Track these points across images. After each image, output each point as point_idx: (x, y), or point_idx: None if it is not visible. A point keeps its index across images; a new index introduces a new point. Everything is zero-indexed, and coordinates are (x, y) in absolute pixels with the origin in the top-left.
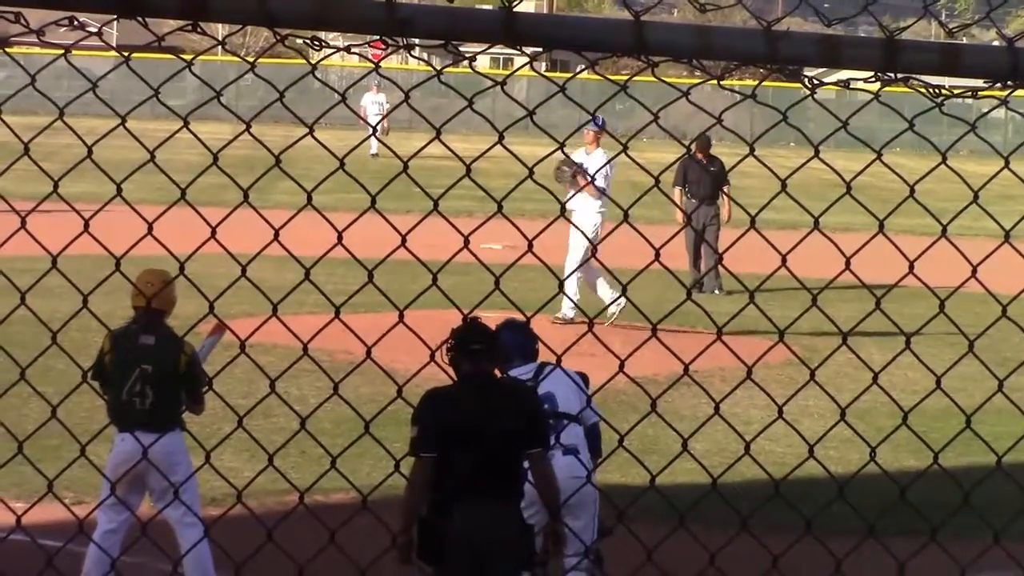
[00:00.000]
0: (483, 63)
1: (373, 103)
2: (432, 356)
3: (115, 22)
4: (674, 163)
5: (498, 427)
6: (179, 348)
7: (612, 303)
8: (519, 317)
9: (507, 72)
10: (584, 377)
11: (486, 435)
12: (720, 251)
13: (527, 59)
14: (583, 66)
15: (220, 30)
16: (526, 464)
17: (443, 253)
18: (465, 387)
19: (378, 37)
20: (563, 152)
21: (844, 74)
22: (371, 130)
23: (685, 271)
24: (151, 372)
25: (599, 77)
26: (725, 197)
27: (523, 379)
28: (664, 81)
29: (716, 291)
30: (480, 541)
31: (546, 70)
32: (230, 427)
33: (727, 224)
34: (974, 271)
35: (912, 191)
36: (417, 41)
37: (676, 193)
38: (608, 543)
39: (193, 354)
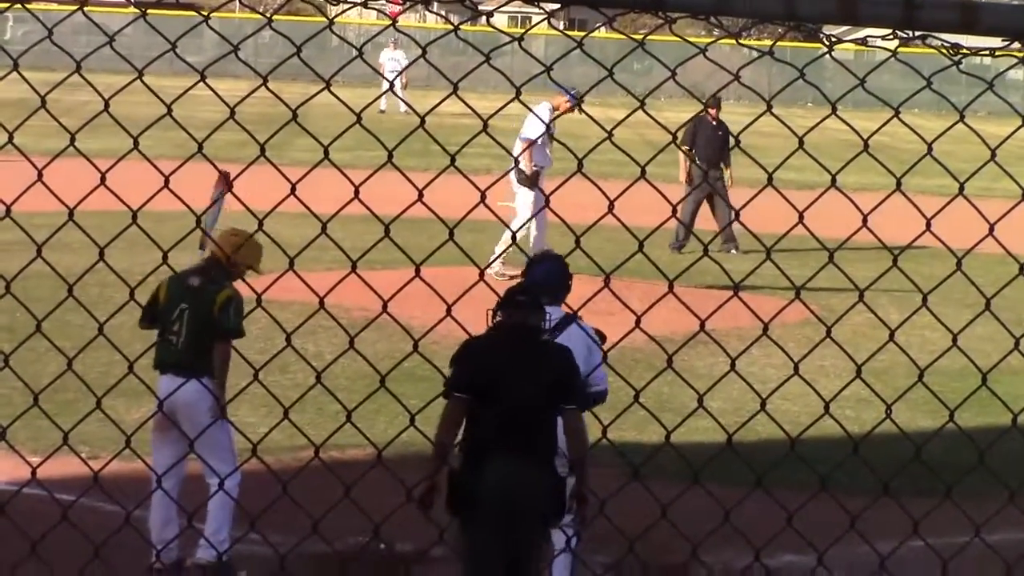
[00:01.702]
0: (500, 22)
1: (391, 60)
2: (448, 311)
3: None
4: (690, 120)
5: (532, 380)
6: (216, 292)
7: (496, 259)
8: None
9: (525, 30)
10: (601, 336)
11: (520, 387)
12: (733, 210)
13: (545, 15)
14: (601, 22)
15: None
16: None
17: (460, 211)
18: (506, 337)
19: None
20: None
21: (862, 34)
22: (387, 85)
23: (704, 231)
24: (189, 313)
25: (617, 35)
26: (727, 164)
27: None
28: (682, 38)
29: (733, 251)
30: (510, 495)
31: (564, 28)
32: (246, 382)
33: (731, 187)
34: (991, 230)
35: (930, 149)
36: None
37: (681, 155)
38: (622, 501)
39: (227, 300)
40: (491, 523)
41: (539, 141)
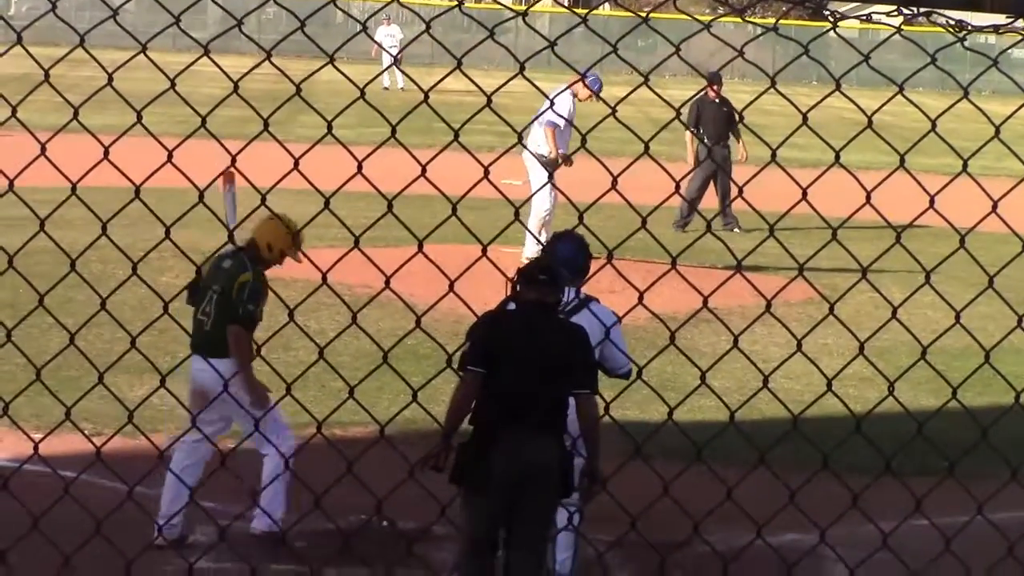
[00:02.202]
0: None
1: (387, 36)
2: (451, 288)
3: None
4: (692, 97)
5: (547, 359)
6: (238, 275)
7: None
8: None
9: (528, 6)
10: (618, 318)
11: (534, 364)
12: (736, 188)
13: None
14: None
15: None
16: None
17: (464, 188)
18: (524, 315)
19: None
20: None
21: (867, 11)
22: (392, 60)
23: (708, 209)
24: (218, 294)
25: (622, 13)
26: (738, 138)
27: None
28: (687, 14)
29: (735, 229)
30: (518, 471)
31: (569, 5)
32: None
33: (743, 163)
34: (994, 207)
35: (934, 126)
36: None
37: (688, 135)
38: (625, 480)
39: (245, 283)
40: (496, 497)
41: (561, 126)
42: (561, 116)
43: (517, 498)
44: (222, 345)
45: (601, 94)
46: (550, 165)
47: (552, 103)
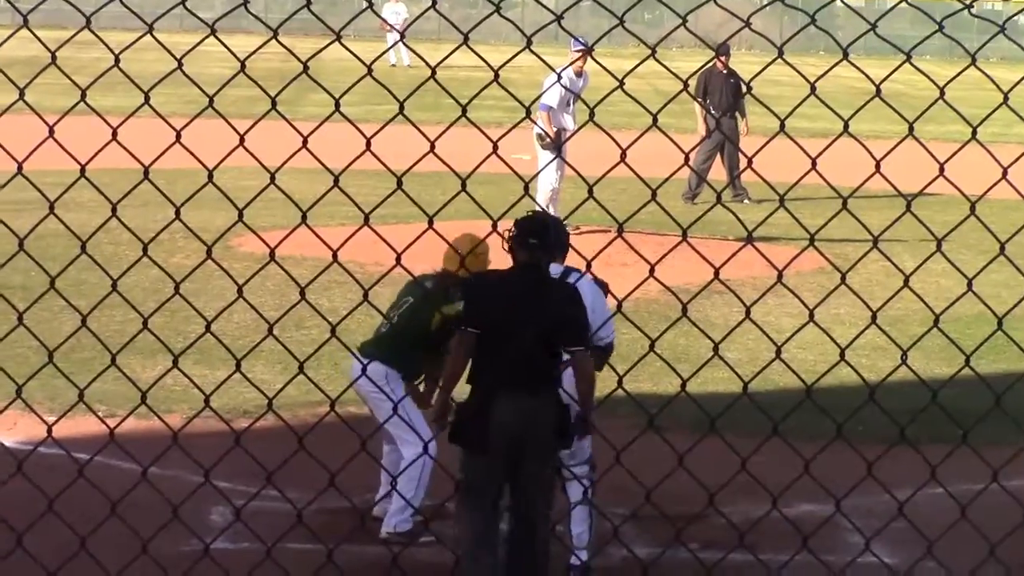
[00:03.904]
0: None
1: (393, 13)
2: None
3: None
4: (700, 69)
5: (541, 318)
6: (443, 300)
7: None
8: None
9: None
10: (604, 286)
11: (528, 324)
12: (746, 158)
13: None
14: None
15: None
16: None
17: (472, 163)
18: (516, 275)
19: None
20: (555, 72)
21: None
22: (398, 37)
23: (718, 180)
24: (409, 307)
25: None
26: (743, 113)
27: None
28: None
29: (745, 200)
30: (516, 430)
31: None
32: (261, 338)
33: (746, 136)
34: (1004, 173)
35: (942, 94)
36: None
37: (697, 107)
38: (639, 452)
39: (448, 317)
40: (494, 455)
41: (555, 106)
42: (556, 95)
43: (517, 457)
44: (381, 350)
45: (594, 54)
46: (549, 147)
47: (551, 82)
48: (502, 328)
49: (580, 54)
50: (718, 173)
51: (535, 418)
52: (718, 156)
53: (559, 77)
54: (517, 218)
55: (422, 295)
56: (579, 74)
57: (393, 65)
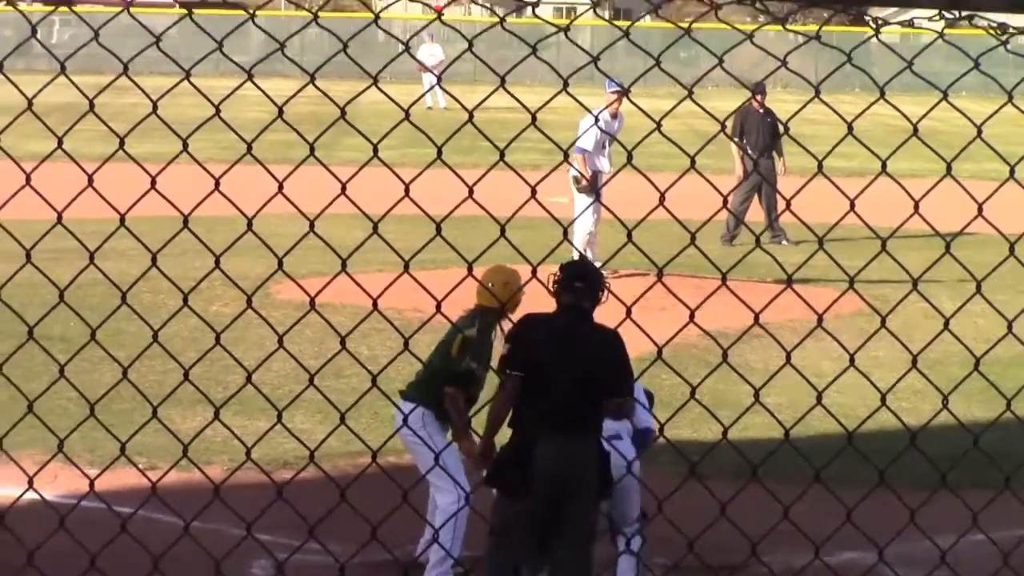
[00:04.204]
0: (545, 13)
1: (429, 56)
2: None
3: None
4: (737, 109)
5: (584, 364)
6: (463, 326)
7: None
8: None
9: (571, 20)
10: (650, 397)
11: (571, 368)
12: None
13: (590, 5)
14: (646, 10)
15: None
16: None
17: (509, 207)
18: (561, 318)
19: None
20: (589, 112)
21: (909, 15)
22: (435, 80)
23: (755, 222)
24: (437, 345)
25: (662, 24)
26: (780, 153)
27: None
28: (730, 25)
29: (783, 242)
30: (557, 475)
31: (609, 18)
32: (300, 388)
33: (783, 176)
34: None
35: (979, 132)
36: None
37: (734, 147)
38: (680, 501)
39: (463, 340)
40: (540, 502)
41: (590, 149)
42: (592, 138)
43: (556, 503)
44: (417, 390)
45: (631, 97)
46: (585, 190)
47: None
48: (545, 371)
49: (616, 96)
50: (755, 214)
51: (577, 463)
52: (755, 197)
53: (596, 119)
54: (562, 263)
55: (450, 328)
56: (614, 116)
57: (429, 108)
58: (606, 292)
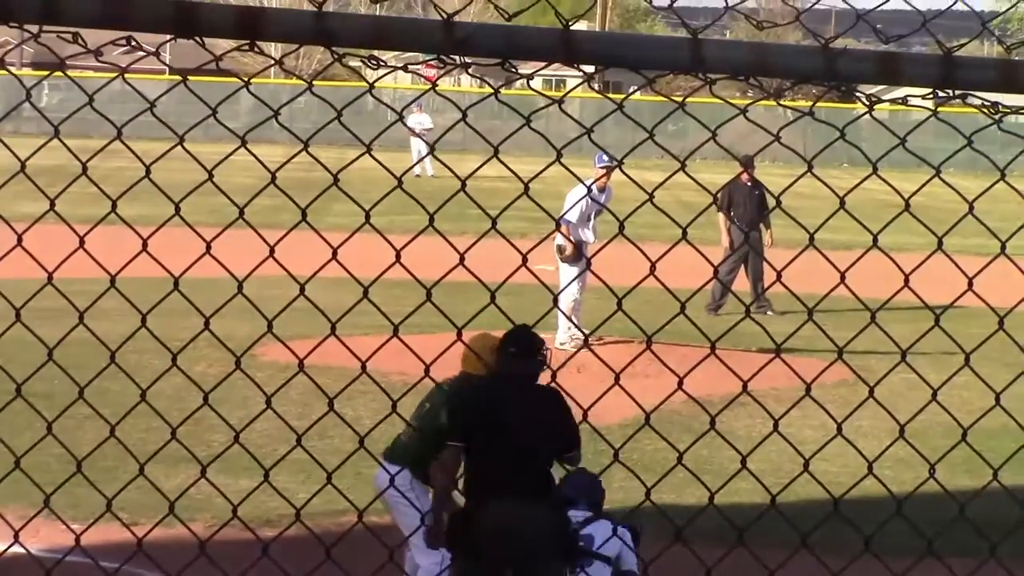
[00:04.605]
0: (535, 84)
1: (416, 124)
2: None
3: (167, 45)
4: (728, 183)
5: (528, 426)
6: (431, 395)
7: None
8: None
9: (559, 93)
10: (636, 534)
11: (516, 433)
12: (773, 271)
13: (580, 80)
14: (640, 84)
15: (274, 50)
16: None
17: (496, 274)
18: (500, 384)
19: (435, 57)
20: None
21: (901, 93)
22: (418, 150)
23: (743, 291)
24: (424, 411)
25: (652, 97)
26: (767, 225)
27: (574, 521)
28: (724, 99)
29: (768, 312)
30: (505, 540)
31: (597, 92)
32: (285, 448)
33: (770, 248)
34: None
35: (971, 208)
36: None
37: (721, 218)
38: (668, 562)
39: (427, 408)
40: (493, 563)
41: (575, 220)
42: (578, 210)
43: (508, 562)
44: (402, 454)
45: (623, 168)
46: (568, 259)
47: (573, 198)
48: (487, 438)
49: (605, 171)
50: (740, 284)
51: (525, 527)
52: (742, 268)
53: (589, 190)
54: (506, 332)
55: (435, 399)
56: (602, 189)
57: (418, 176)
58: (548, 356)
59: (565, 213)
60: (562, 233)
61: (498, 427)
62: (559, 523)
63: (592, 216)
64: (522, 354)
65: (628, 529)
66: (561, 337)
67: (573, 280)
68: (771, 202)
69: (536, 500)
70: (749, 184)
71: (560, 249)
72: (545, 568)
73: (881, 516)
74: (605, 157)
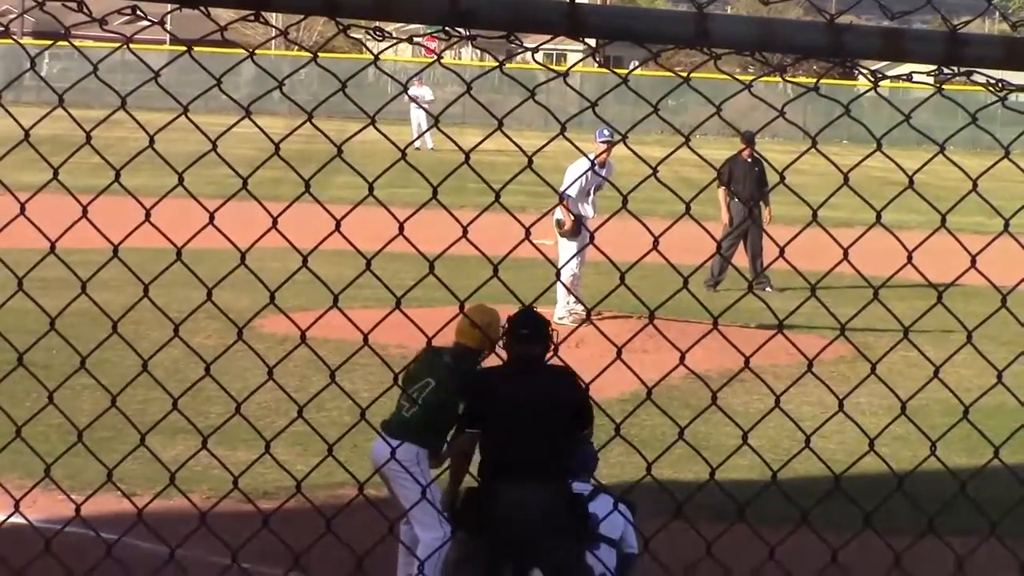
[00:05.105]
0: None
1: (418, 97)
2: (492, 347)
3: (168, 16)
4: (726, 163)
5: (541, 408)
6: (449, 371)
7: (564, 311)
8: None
9: (569, 67)
10: (632, 506)
11: (529, 415)
12: (776, 247)
13: (582, 54)
14: (642, 58)
15: (276, 21)
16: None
17: (496, 247)
18: (513, 369)
19: (440, 29)
20: (585, 156)
21: (906, 70)
22: (428, 120)
23: (743, 267)
24: (432, 389)
25: (653, 72)
26: (766, 202)
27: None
28: (729, 75)
29: (767, 288)
30: (521, 519)
31: (598, 66)
32: (281, 420)
33: (768, 225)
34: None
35: (975, 186)
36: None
37: (721, 193)
38: (667, 538)
39: (432, 385)
40: (504, 544)
41: (574, 194)
42: (577, 185)
43: (522, 549)
44: (417, 435)
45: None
46: (566, 234)
47: (573, 172)
48: (501, 422)
49: (606, 145)
50: (737, 260)
51: (536, 510)
52: (740, 244)
53: (592, 166)
54: (509, 315)
55: (446, 375)
56: (602, 164)
57: (417, 148)
58: (555, 336)
59: (566, 188)
60: (566, 208)
61: (512, 410)
62: (573, 504)
63: (592, 191)
64: (533, 336)
65: (628, 506)
66: (560, 312)
67: (575, 255)
68: (770, 179)
69: (549, 481)
70: (749, 161)
71: (559, 223)
72: (556, 549)
73: (879, 493)
74: (606, 132)
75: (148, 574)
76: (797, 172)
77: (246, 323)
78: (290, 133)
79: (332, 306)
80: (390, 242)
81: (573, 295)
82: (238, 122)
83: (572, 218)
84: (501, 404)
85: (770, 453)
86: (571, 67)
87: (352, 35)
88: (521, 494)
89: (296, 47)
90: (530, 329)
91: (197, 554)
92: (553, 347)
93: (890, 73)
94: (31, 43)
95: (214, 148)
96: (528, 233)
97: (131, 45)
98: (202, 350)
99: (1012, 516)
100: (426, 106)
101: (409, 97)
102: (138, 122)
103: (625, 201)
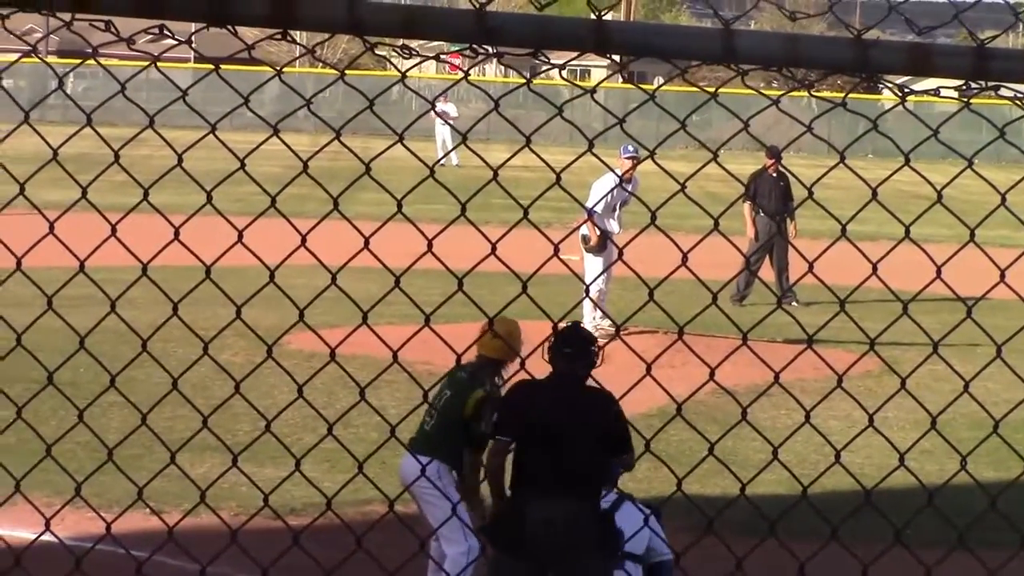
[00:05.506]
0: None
1: (441, 113)
2: (522, 365)
3: (194, 35)
4: (758, 173)
5: (578, 427)
6: (471, 392)
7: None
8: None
9: (597, 83)
10: (656, 511)
11: (565, 433)
12: (805, 262)
13: (607, 70)
14: (667, 74)
15: (300, 39)
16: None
17: (522, 263)
18: (553, 384)
19: (467, 46)
20: (612, 171)
21: (933, 84)
22: (455, 138)
23: (770, 281)
24: (446, 401)
25: (678, 88)
26: (792, 216)
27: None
28: (756, 91)
29: (793, 303)
30: (547, 539)
31: (621, 83)
32: (309, 436)
33: (793, 239)
34: None
35: (1004, 199)
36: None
37: (747, 208)
38: (699, 553)
39: (478, 402)
40: (526, 559)
41: (600, 210)
42: (603, 201)
43: (549, 564)
44: (438, 449)
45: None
46: (592, 249)
47: (598, 188)
48: (536, 436)
49: (631, 162)
50: (765, 275)
51: (569, 526)
52: (767, 258)
53: (620, 182)
54: (557, 328)
55: (457, 385)
56: (628, 180)
57: (442, 165)
58: (600, 356)
59: (595, 205)
60: (592, 223)
61: (546, 427)
62: (602, 522)
63: (618, 207)
64: (575, 355)
65: (652, 511)
66: (586, 325)
67: (603, 272)
68: (796, 193)
69: (581, 500)
70: (774, 175)
71: (585, 239)
72: (586, 568)
73: (908, 507)
74: (631, 147)
75: None
76: (823, 186)
77: (275, 341)
78: (319, 150)
79: (362, 323)
80: (419, 258)
81: (600, 310)
82: (266, 140)
83: (598, 233)
84: (537, 417)
85: (798, 468)
86: (599, 83)
87: (378, 52)
88: (551, 511)
89: (321, 64)
90: (573, 348)
91: (227, 571)
92: (595, 366)
93: (916, 88)
94: (56, 62)
95: (243, 166)
96: (557, 249)
97: (159, 64)
98: (230, 367)
99: None
100: (451, 122)
101: (436, 113)
102: (166, 140)
103: (654, 217)
